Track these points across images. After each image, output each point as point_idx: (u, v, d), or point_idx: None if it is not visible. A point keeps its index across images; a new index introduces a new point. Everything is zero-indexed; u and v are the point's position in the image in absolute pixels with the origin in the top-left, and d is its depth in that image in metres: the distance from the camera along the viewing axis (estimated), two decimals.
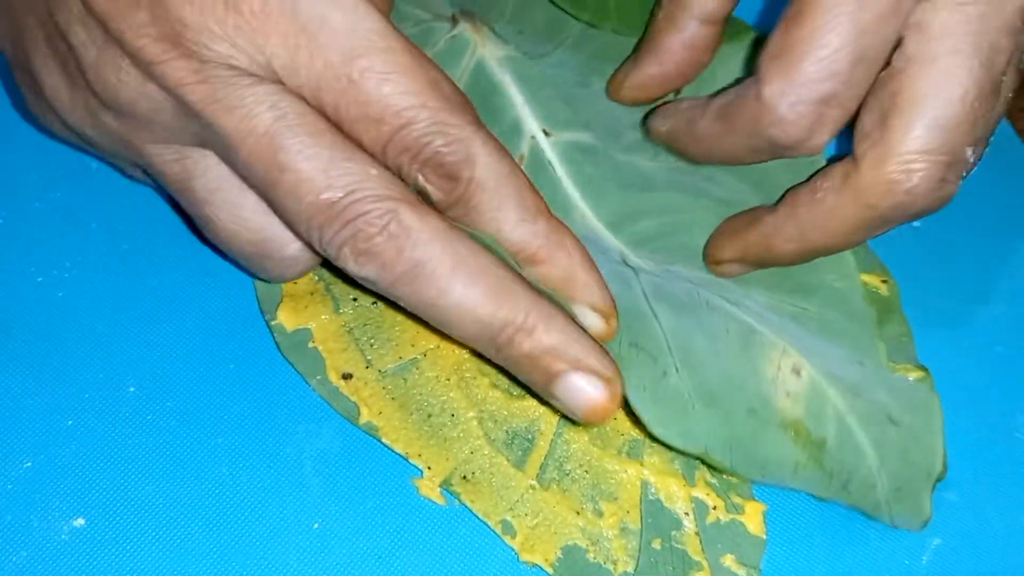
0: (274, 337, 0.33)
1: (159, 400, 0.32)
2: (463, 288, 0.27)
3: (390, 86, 0.27)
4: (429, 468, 0.31)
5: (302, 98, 0.27)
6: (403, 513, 0.31)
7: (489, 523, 0.31)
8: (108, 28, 0.27)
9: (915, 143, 0.28)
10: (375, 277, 0.27)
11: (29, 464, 0.30)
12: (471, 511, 0.31)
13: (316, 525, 0.30)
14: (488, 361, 0.29)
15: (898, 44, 0.29)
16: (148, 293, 0.34)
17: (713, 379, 0.30)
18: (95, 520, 0.30)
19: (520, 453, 0.32)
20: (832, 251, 0.31)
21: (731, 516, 0.31)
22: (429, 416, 0.32)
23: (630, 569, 0.30)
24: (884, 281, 0.35)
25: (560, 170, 0.34)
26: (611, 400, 0.28)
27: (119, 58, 0.27)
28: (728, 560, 0.31)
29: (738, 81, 0.31)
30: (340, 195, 0.26)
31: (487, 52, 0.34)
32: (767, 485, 0.31)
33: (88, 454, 0.31)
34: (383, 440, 0.31)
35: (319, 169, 0.26)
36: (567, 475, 0.31)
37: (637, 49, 0.35)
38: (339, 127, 0.27)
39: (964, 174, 0.29)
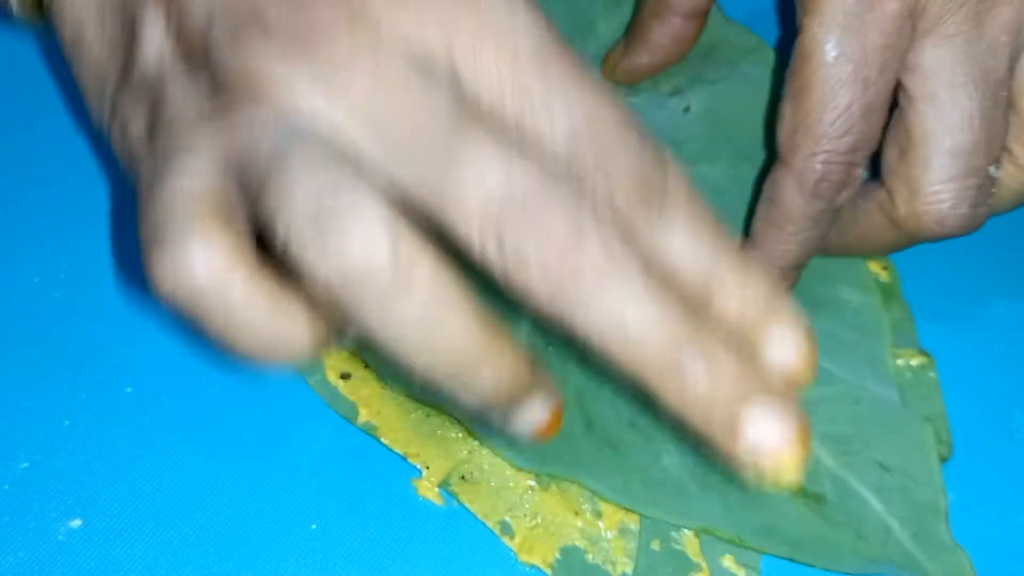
0: None
1: (155, 401, 0.32)
2: None
3: None
4: (428, 468, 0.31)
5: None
6: (401, 513, 0.31)
7: (488, 524, 0.31)
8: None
9: (937, 175, 0.30)
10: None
11: (26, 465, 0.30)
12: (470, 511, 0.31)
13: (314, 526, 0.30)
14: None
15: (898, 85, 0.31)
16: (145, 294, 0.34)
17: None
18: (92, 521, 0.30)
19: None
20: (862, 256, 0.35)
21: None
22: (428, 416, 0.32)
23: (629, 570, 0.30)
24: (884, 268, 0.36)
25: None
26: None
27: None
28: (727, 561, 0.31)
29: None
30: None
31: None
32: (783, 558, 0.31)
33: (85, 455, 0.30)
34: (382, 440, 0.31)
35: None
36: None
37: (627, 36, 0.38)
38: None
39: (993, 191, 0.31)
